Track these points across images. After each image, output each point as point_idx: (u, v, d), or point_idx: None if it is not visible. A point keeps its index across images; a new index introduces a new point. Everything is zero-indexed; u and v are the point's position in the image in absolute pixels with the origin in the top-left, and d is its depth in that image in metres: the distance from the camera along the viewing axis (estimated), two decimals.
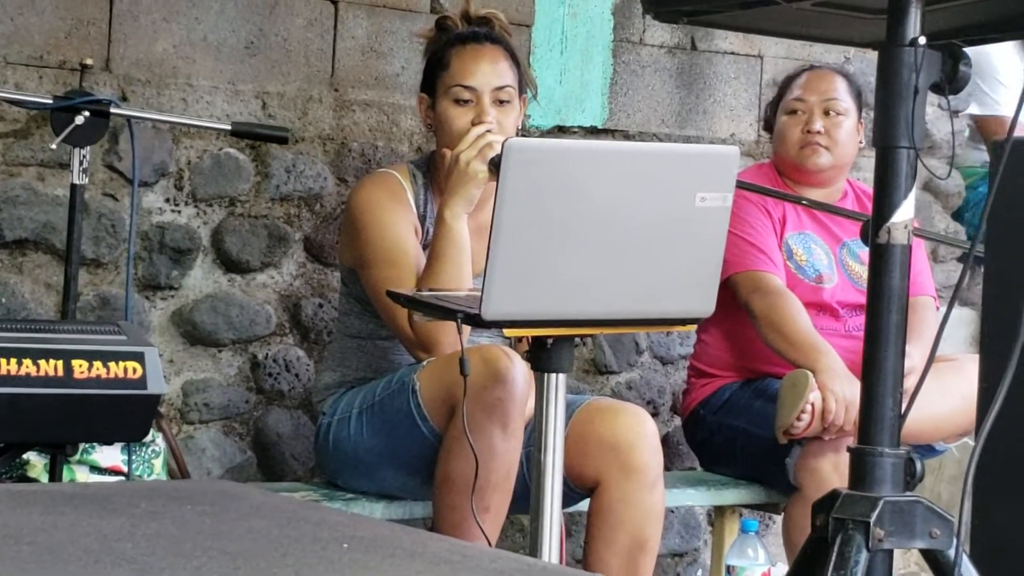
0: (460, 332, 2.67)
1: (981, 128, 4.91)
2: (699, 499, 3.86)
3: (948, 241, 3.72)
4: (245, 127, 3.06)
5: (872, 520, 1.97)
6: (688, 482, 3.88)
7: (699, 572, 4.42)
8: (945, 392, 3.55)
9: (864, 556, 1.96)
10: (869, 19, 2.12)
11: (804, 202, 3.76)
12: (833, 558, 1.95)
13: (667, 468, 4.32)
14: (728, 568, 3.70)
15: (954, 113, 4.98)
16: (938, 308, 4.01)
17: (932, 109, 4.90)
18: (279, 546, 1.78)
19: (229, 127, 2.96)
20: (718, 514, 3.98)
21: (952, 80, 2.04)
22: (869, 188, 4.00)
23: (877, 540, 1.97)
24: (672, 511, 4.32)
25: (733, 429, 3.83)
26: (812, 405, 3.53)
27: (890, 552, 2.05)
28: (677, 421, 4.29)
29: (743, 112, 4.52)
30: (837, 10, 2.22)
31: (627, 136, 4.29)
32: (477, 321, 2.59)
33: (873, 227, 2.08)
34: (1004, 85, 4.93)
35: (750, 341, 3.82)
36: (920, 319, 3.81)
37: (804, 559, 2.07)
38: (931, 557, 2.02)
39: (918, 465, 2.03)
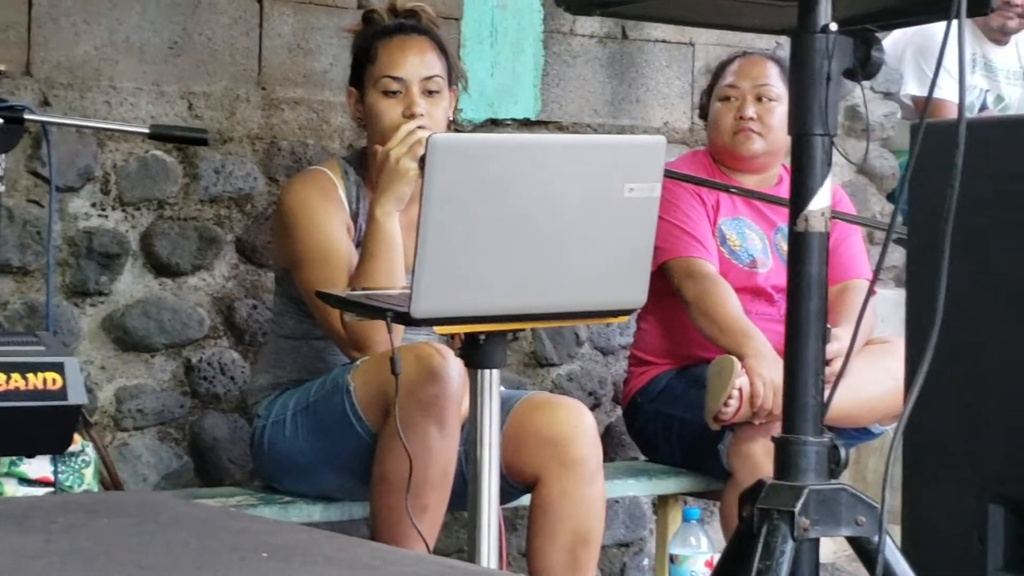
0: (390, 331, 2.66)
1: (917, 109, 4.92)
2: (641, 489, 3.86)
3: (866, 223, 3.73)
4: (163, 130, 3.02)
5: (797, 509, 1.96)
6: (630, 473, 3.88)
7: (645, 562, 4.42)
8: (878, 374, 3.56)
9: (790, 546, 1.95)
10: (782, 6, 2.11)
11: (732, 190, 3.76)
12: (759, 549, 1.94)
13: (610, 459, 4.34)
14: (671, 557, 3.71)
15: (890, 95, 5.00)
16: (875, 292, 4.02)
17: (865, 91, 4.90)
18: (196, 558, 1.76)
19: (147, 130, 2.92)
20: (661, 503, 3.98)
21: (865, 66, 2.03)
22: None
23: (802, 529, 1.96)
24: (617, 501, 4.32)
25: (669, 417, 3.84)
26: (740, 390, 3.54)
27: (816, 541, 2.04)
28: (619, 411, 4.28)
29: (676, 100, 4.51)
30: None
31: (561, 127, 4.28)
32: (407, 319, 2.57)
33: (791, 215, 2.08)
34: (946, 68, 4.93)
35: (685, 328, 3.82)
36: (853, 302, 3.82)
37: (731, 551, 2.06)
38: (857, 544, 2.02)
39: (842, 452, 2.02)
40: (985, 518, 2.28)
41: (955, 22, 1.83)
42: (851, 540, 2.03)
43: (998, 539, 2.27)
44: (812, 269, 2.05)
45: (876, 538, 1.96)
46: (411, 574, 1.72)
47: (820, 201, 2.04)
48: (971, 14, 1.95)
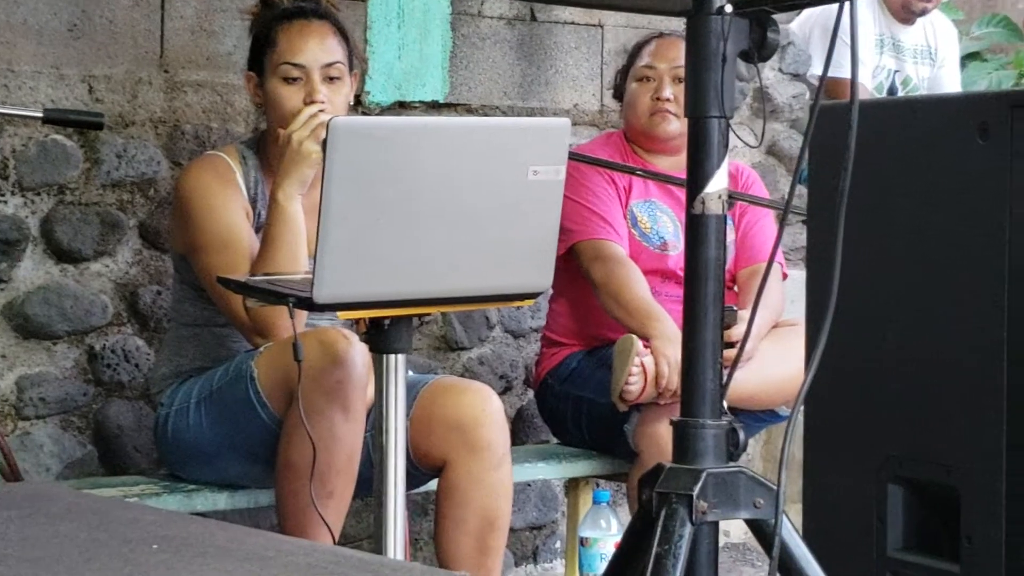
0: (292, 317, 2.64)
1: (828, 90, 4.93)
2: (551, 472, 3.86)
3: (761, 202, 3.73)
4: (58, 114, 2.98)
5: (695, 493, 1.96)
6: (540, 456, 3.87)
7: (557, 544, 4.41)
8: (786, 357, 3.57)
9: (688, 529, 1.95)
10: None
11: (639, 173, 3.76)
12: (658, 533, 1.94)
13: (522, 442, 4.33)
14: (581, 539, 3.71)
15: (798, 75, 5.01)
16: (785, 275, 4.03)
17: (773, 73, 4.92)
18: (85, 550, 1.74)
19: (41, 115, 2.87)
20: (572, 486, 3.98)
21: (761, 47, 2.02)
22: None
23: (701, 513, 1.96)
24: (528, 485, 4.31)
25: (578, 398, 3.84)
26: (644, 370, 3.54)
27: (715, 524, 2.04)
28: (531, 394, 4.28)
29: (586, 82, 4.50)
30: None
31: (470, 110, 4.25)
32: (310, 305, 2.55)
33: (688, 198, 2.07)
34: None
35: (595, 310, 3.82)
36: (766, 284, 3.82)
37: (631, 534, 2.06)
38: (756, 527, 2.01)
39: (741, 435, 2.02)
40: (884, 498, 2.29)
41: (847, 4, 1.82)
42: (750, 523, 2.03)
43: (897, 519, 2.29)
44: (709, 252, 2.05)
45: (774, 520, 1.96)
46: (304, 564, 1.70)
47: (717, 183, 2.03)
48: None
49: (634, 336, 3.58)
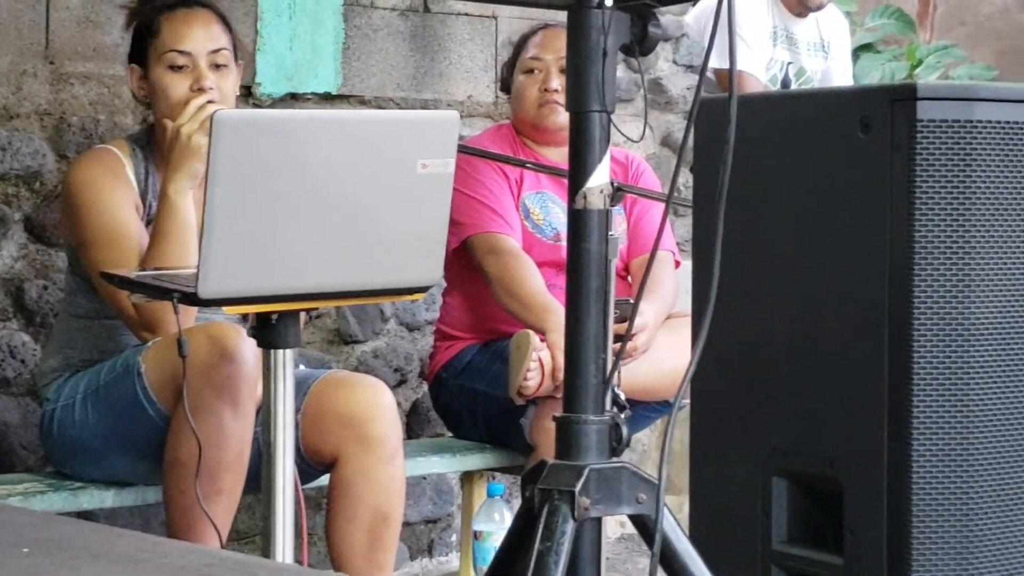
0: (177, 312, 2.60)
1: (720, 82, 4.96)
2: (446, 466, 3.84)
3: (647, 194, 3.74)
4: None
5: (577, 489, 1.95)
6: (433, 449, 3.86)
7: (453, 538, 4.40)
8: (679, 348, 3.57)
9: (571, 526, 1.94)
10: None
11: (528, 165, 3.75)
12: (540, 530, 1.93)
13: (417, 435, 4.32)
14: (475, 533, 3.70)
15: (693, 67, 5.02)
16: (678, 264, 4.04)
17: (668, 65, 4.93)
18: None
19: None
20: (466, 480, 3.97)
21: (642, 41, 2.02)
22: (613, 148, 4.02)
23: (583, 509, 1.95)
24: (424, 478, 4.30)
25: (473, 392, 3.83)
26: (541, 364, 3.53)
27: (598, 520, 2.04)
28: (426, 388, 4.26)
29: (480, 73, 4.48)
30: None
31: (363, 102, 4.23)
32: (194, 300, 2.52)
33: (569, 193, 2.06)
34: (744, 41, 4.99)
35: (490, 303, 3.82)
36: (657, 275, 3.84)
37: (514, 531, 2.05)
38: (639, 522, 2.01)
39: (624, 430, 2.01)
40: (769, 491, 2.30)
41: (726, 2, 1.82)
42: (633, 518, 2.03)
43: (781, 511, 2.30)
44: (592, 247, 2.04)
45: (655, 515, 1.96)
46: (178, 566, 1.68)
47: (599, 178, 2.02)
48: None
49: (530, 332, 3.58)
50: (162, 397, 3.07)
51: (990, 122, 2.16)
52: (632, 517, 2.02)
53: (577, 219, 2.03)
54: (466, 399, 3.86)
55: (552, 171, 3.73)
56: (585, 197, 2.01)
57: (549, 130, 3.89)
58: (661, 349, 3.66)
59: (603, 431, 2.00)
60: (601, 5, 1.99)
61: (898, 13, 6.61)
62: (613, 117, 2.09)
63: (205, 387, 2.94)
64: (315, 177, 2.52)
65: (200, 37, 3.22)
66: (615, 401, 3.06)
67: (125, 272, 2.91)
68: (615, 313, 3.20)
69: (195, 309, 3.01)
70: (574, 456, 2.00)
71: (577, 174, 2.02)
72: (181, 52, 3.21)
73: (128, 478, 3.24)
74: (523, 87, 3.93)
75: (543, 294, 3.67)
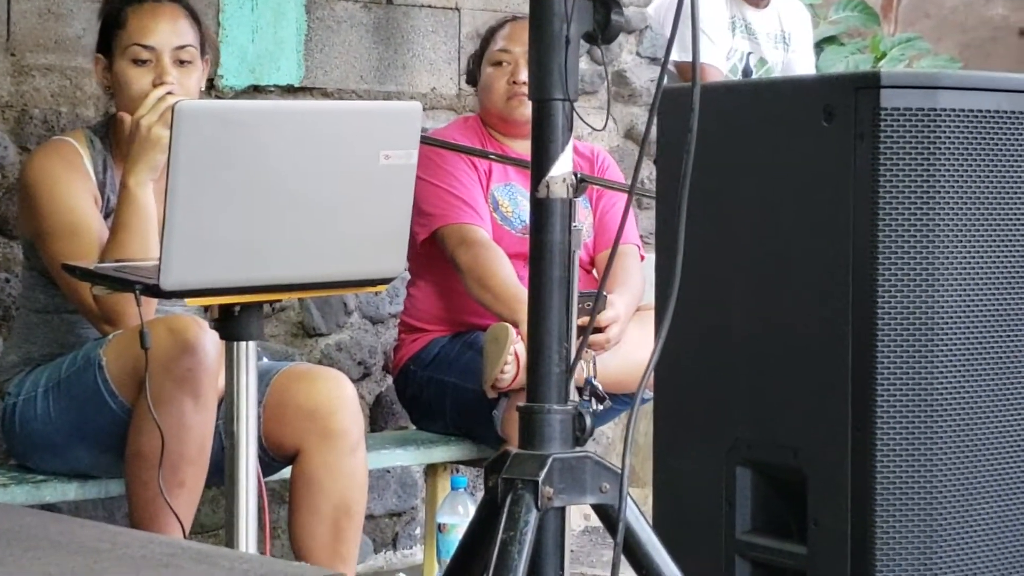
0: (139, 304, 2.59)
1: (681, 74, 4.96)
2: (409, 459, 3.83)
3: (612, 186, 3.74)
4: None
5: (540, 479, 1.94)
6: (397, 442, 3.84)
7: (417, 531, 4.39)
8: (648, 340, 3.57)
9: (534, 515, 1.93)
10: None
11: (492, 156, 3.74)
12: (503, 519, 1.92)
13: (381, 428, 4.31)
14: (439, 526, 3.69)
15: (656, 59, 5.02)
16: (643, 257, 4.04)
17: (631, 57, 4.93)
18: None
19: None
20: (430, 472, 3.95)
21: (605, 29, 2.01)
22: (577, 142, 4.02)
23: (546, 499, 1.94)
24: (388, 471, 4.29)
25: (442, 384, 3.81)
26: (516, 356, 3.53)
27: (562, 510, 2.03)
28: (389, 380, 4.25)
29: (443, 66, 4.47)
30: None
31: (325, 94, 4.21)
32: (156, 292, 2.52)
33: (532, 182, 2.06)
34: (704, 32, 4.98)
35: (459, 294, 3.81)
36: (623, 267, 3.84)
37: (477, 521, 2.04)
38: (602, 512, 2.01)
39: (587, 420, 2.01)
40: (733, 481, 2.30)
41: None
42: (596, 508, 2.02)
43: (745, 502, 2.30)
44: (555, 236, 2.04)
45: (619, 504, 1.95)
46: (139, 556, 1.68)
47: (561, 167, 2.02)
48: None
49: (508, 325, 3.57)
50: (123, 390, 3.05)
51: (954, 110, 2.16)
52: (596, 507, 2.01)
53: (540, 208, 2.03)
54: (435, 391, 3.84)
55: (516, 162, 3.73)
56: (548, 186, 2.01)
57: (517, 122, 3.88)
58: (631, 342, 3.66)
59: (567, 420, 1.99)
60: None
61: (862, 6, 6.62)
62: (577, 109, 2.08)
63: (166, 379, 2.93)
64: (277, 168, 2.51)
65: (165, 32, 3.20)
66: (594, 392, 3.08)
67: (86, 264, 2.89)
68: (584, 305, 3.23)
69: (156, 301, 3.00)
70: (538, 445, 1.99)
71: (540, 163, 2.02)
72: (145, 47, 3.19)
73: (91, 471, 3.23)
74: (491, 79, 3.93)
75: (515, 285, 3.66)
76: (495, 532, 1.92)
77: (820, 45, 6.19)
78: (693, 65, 1.91)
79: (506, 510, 1.93)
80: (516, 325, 3.57)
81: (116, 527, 1.91)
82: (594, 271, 3.99)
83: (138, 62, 3.20)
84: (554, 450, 1.99)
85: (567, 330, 2.01)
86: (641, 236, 4.17)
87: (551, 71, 1.99)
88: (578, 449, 2.01)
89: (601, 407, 3.12)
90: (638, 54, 4.95)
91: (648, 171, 4.92)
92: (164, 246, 2.44)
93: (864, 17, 6.60)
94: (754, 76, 5.18)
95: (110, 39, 3.25)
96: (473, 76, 4.04)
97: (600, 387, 3.08)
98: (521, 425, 2.01)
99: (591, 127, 2.24)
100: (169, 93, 3.12)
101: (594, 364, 3.33)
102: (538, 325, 2.00)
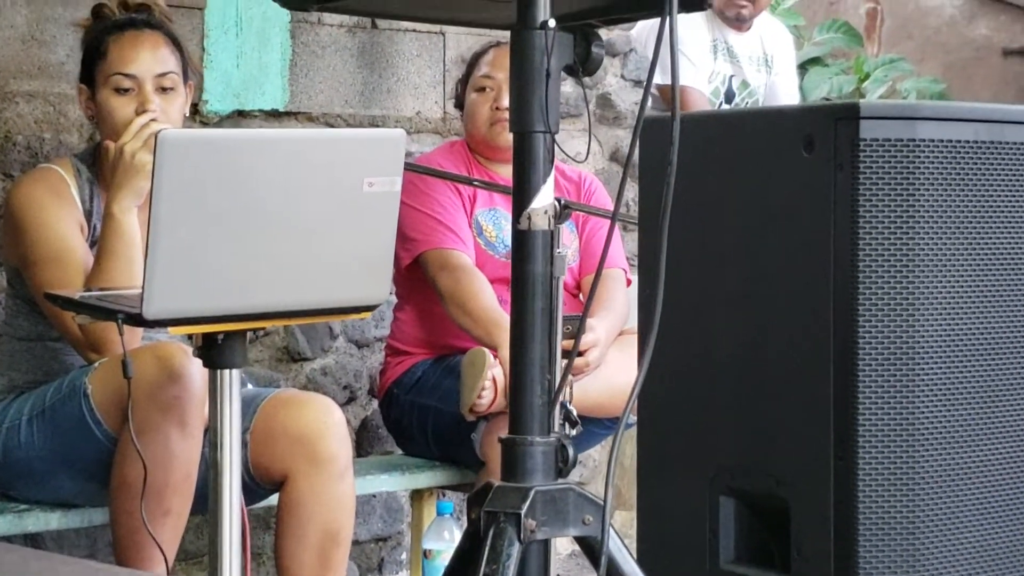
0: (122, 333, 2.58)
1: (664, 97, 4.97)
2: (395, 484, 3.83)
3: (596, 212, 3.75)
4: None
5: (523, 511, 1.95)
6: (383, 467, 3.84)
7: (403, 556, 4.39)
8: (631, 365, 3.57)
9: (516, 548, 1.93)
10: (502, 2, 2.09)
11: (476, 183, 3.75)
12: (486, 552, 1.92)
13: (367, 453, 4.30)
14: (425, 552, 3.69)
15: (640, 83, 5.03)
16: (629, 281, 4.05)
17: (616, 80, 4.94)
18: None
19: None
20: (416, 497, 3.95)
21: (585, 62, 2.02)
22: (564, 166, 4.03)
23: (529, 531, 1.94)
24: (374, 496, 4.28)
25: (424, 408, 3.82)
26: (494, 381, 3.53)
27: (545, 542, 2.03)
28: (375, 405, 4.25)
29: (428, 90, 4.48)
30: None
31: (310, 118, 4.21)
32: (139, 320, 2.51)
33: (514, 214, 2.06)
34: (686, 55, 5.00)
35: (442, 318, 3.81)
36: (606, 291, 3.85)
37: (460, 554, 2.04)
38: (585, 545, 2.01)
39: (570, 451, 2.01)
40: (716, 510, 2.30)
41: (668, 20, 1.82)
42: (579, 540, 2.02)
43: (729, 531, 2.30)
44: (537, 268, 2.04)
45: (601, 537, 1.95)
46: None
47: (543, 199, 2.02)
48: (684, 10, 1.95)
49: (485, 350, 3.57)
50: (108, 418, 3.05)
51: (932, 141, 2.17)
52: (579, 539, 2.01)
53: (521, 240, 2.03)
54: (417, 415, 3.85)
55: (499, 188, 3.73)
56: (530, 218, 2.01)
57: (501, 148, 3.89)
58: (613, 366, 3.66)
59: (549, 452, 2.00)
60: (544, 26, 1.98)
61: (845, 27, 6.65)
62: (561, 131, 2.09)
63: (152, 408, 2.93)
64: (260, 196, 2.51)
65: (147, 60, 3.21)
66: (567, 417, 3.08)
67: (69, 293, 2.88)
68: (567, 329, 3.23)
69: (140, 329, 2.99)
70: (520, 478, 1.99)
71: (521, 195, 2.02)
72: (127, 75, 3.20)
73: (75, 500, 3.22)
74: (475, 105, 3.94)
75: (495, 310, 3.67)
76: (478, 565, 1.92)
77: (804, 66, 6.21)
78: (672, 95, 1.91)
79: (489, 543, 1.93)
80: (494, 349, 3.58)
81: (98, 564, 1.91)
82: (580, 295, 3.99)
83: (120, 91, 3.21)
84: (536, 482, 1.99)
85: (550, 361, 2.01)
86: (628, 259, 4.17)
87: (531, 104, 2.00)
88: (560, 481, 2.01)
89: (574, 432, 3.12)
90: (623, 77, 4.95)
91: (633, 193, 4.93)
92: (147, 275, 2.43)
93: (847, 38, 6.62)
94: (736, 99, 5.21)
95: (92, 69, 3.25)
96: (460, 100, 4.05)
97: (574, 411, 3.09)
98: (504, 457, 2.01)
99: (572, 159, 2.24)
100: (153, 120, 3.13)
101: (570, 388, 3.33)
102: (521, 356, 2.01)
